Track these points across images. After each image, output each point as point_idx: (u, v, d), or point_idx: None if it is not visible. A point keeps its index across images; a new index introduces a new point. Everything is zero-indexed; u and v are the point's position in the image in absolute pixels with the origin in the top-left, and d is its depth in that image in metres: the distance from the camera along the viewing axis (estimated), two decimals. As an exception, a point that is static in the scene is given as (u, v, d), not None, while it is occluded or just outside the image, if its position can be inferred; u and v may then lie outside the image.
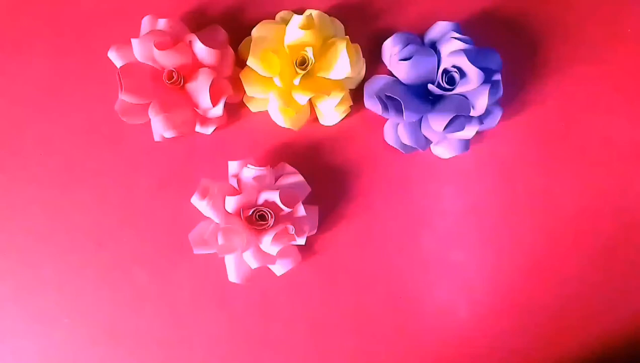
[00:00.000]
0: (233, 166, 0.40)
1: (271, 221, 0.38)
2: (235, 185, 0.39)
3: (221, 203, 0.38)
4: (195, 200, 0.38)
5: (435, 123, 0.39)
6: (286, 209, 0.38)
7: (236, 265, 0.40)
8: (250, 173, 0.38)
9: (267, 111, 0.42)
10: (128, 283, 0.44)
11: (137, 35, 0.40)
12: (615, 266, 0.45)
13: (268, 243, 0.37)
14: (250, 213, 0.38)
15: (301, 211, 0.39)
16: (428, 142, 0.42)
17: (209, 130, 0.42)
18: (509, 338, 0.45)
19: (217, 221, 0.38)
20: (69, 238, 0.44)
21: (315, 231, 0.41)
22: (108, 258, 0.44)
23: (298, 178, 0.41)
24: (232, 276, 0.40)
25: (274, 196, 0.38)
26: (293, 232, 0.38)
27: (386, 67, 0.43)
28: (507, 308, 0.45)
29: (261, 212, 0.38)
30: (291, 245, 0.40)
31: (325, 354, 0.45)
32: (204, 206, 0.38)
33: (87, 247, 0.44)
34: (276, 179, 0.40)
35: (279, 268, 0.41)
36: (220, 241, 0.37)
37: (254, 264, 0.38)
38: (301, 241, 0.39)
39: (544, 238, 0.45)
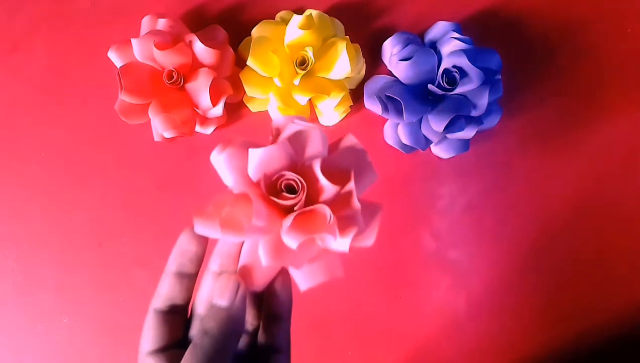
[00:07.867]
0: (279, 121, 0.28)
1: (301, 196, 0.26)
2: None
3: (242, 162, 0.27)
4: (215, 156, 0.28)
5: (436, 123, 0.39)
6: (329, 187, 0.26)
7: (247, 255, 0.27)
8: (293, 129, 0.27)
9: (267, 111, 0.42)
10: (128, 283, 0.44)
11: (137, 35, 0.40)
12: (613, 265, 0.45)
13: (287, 227, 0.25)
14: (274, 179, 0.27)
15: (351, 195, 0.26)
16: (428, 142, 0.42)
17: (209, 130, 0.42)
18: (508, 336, 0.45)
19: (230, 186, 0.28)
20: (69, 238, 0.44)
21: (371, 240, 0.28)
22: (108, 258, 0.44)
23: (361, 155, 0.29)
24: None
25: (313, 165, 0.27)
26: (331, 220, 0.25)
27: (386, 67, 0.43)
28: (505, 306, 0.45)
29: (289, 181, 0.26)
30: (329, 250, 0.28)
31: (325, 354, 0.45)
32: (221, 162, 0.28)
33: (87, 247, 0.44)
34: (331, 152, 0.29)
35: (302, 278, 0.28)
36: (224, 212, 0.25)
37: (265, 258, 0.26)
38: (343, 242, 0.26)
39: (543, 237, 0.45)
